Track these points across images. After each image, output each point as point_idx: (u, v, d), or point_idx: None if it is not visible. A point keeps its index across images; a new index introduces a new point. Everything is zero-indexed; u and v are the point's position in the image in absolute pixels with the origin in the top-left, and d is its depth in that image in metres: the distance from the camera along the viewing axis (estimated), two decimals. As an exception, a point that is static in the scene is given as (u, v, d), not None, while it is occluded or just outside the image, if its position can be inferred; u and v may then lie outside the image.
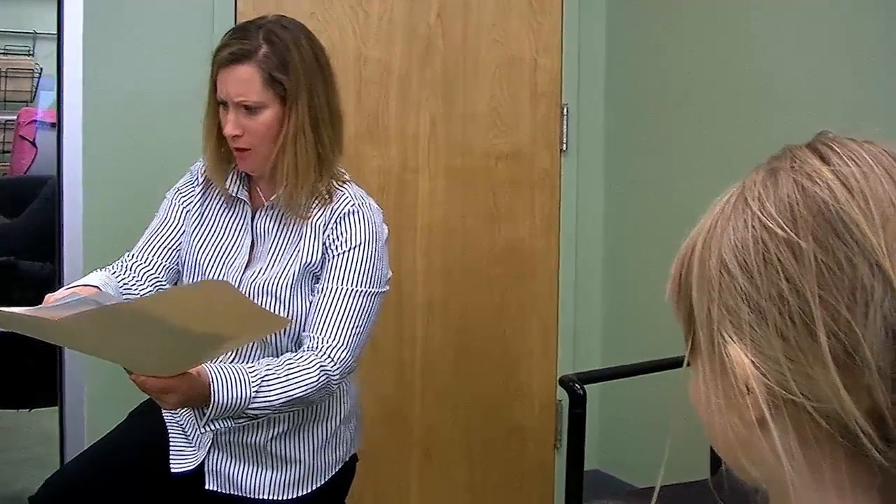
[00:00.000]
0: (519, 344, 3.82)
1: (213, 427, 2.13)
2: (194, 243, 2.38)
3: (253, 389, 2.07)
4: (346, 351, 2.21)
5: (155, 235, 2.40)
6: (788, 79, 3.05)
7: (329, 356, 2.19)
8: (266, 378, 2.09)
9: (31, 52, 4.67)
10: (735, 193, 0.85)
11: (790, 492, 0.80)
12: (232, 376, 2.05)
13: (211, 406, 2.03)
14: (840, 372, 0.75)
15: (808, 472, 0.80)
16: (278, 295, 2.26)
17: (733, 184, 0.87)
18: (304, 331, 2.26)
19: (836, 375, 0.75)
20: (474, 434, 3.77)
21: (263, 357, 2.25)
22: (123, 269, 2.34)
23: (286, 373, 2.13)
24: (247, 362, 2.21)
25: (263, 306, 2.23)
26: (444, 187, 3.67)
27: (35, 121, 4.68)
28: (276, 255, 2.31)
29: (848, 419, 0.75)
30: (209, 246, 2.37)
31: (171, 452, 2.34)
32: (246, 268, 2.32)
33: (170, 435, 2.37)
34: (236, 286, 2.27)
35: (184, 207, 2.42)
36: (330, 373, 2.18)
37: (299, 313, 2.26)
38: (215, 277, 2.31)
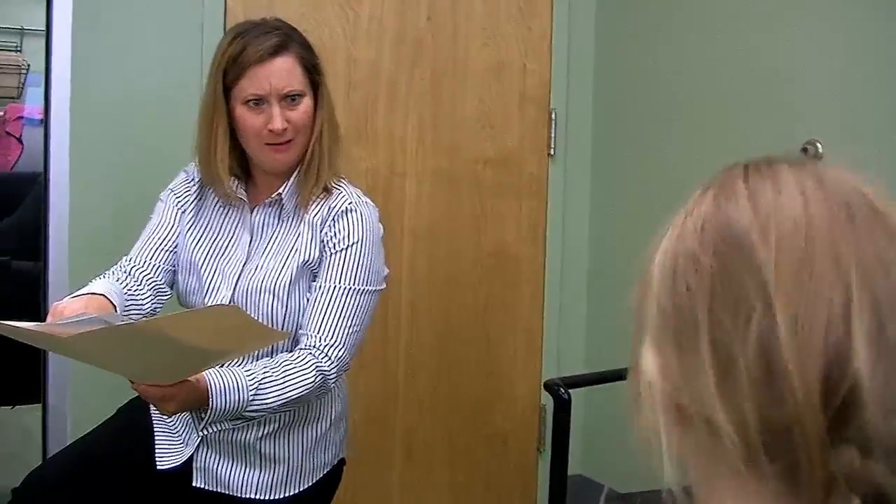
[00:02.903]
0: (503, 348, 3.82)
1: (210, 430, 2.18)
2: (190, 243, 2.38)
3: (250, 393, 2.09)
4: (342, 350, 2.24)
5: (150, 238, 2.40)
6: (779, 85, 3.06)
7: (326, 355, 2.21)
8: (263, 381, 2.12)
9: (19, 48, 4.65)
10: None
11: (666, 493, 0.83)
12: (229, 381, 2.07)
13: (209, 411, 2.06)
14: (718, 382, 0.78)
15: (693, 474, 0.83)
16: (277, 293, 2.27)
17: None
18: (300, 328, 2.27)
19: (713, 383, 0.78)
20: (457, 437, 3.77)
21: (259, 355, 2.26)
22: (124, 274, 2.33)
23: (283, 375, 2.15)
24: (243, 363, 2.22)
25: (261, 304, 2.26)
26: (431, 191, 3.67)
27: (22, 117, 4.66)
28: (273, 251, 2.32)
29: (721, 429, 0.78)
30: (206, 245, 2.38)
31: (156, 449, 2.34)
32: (244, 265, 2.32)
33: (155, 431, 2.37)
34: (233, 284, 2.30)
35: (179, 208, 2.42)
36: (326, 372, 2.20)
37: (297, 312, 2.28)
38: (212, 276, 2.33)
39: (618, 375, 3.02)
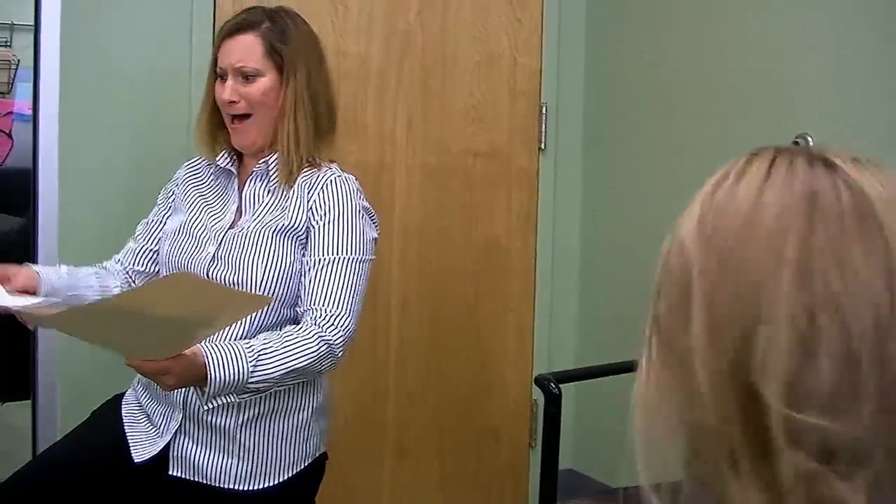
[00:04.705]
0: (494, 343, 3.82)
1: (215, 403, 2.21)
2: (185, 208, 2.47)
3: (250, 364, 2.11)
4: (347, 317, 2.27)
5: (149, 224, 2.55)
6: (770, 78, 3.06)
7: (332, 324, 2.24)
8: (263, 351, 2.14)
9: (9, 44, 4.63)
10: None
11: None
12: (227, 353, 2.09)
13: (209, 384, 2.06)
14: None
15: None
16: (258, 241, 2.31)
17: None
18: (300, 306, 2.30)
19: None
20: (448, 433, 3.76)
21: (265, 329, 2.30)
22: (118, 265, 2.49)
23: (283, 345, 2.17)
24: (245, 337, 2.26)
25: (241, 259, 2.31)
26: (421, 184, 3.66)
27: (11, 112, 4.65)
28: (260, 215, 2.37)
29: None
30: (199, 209, 2.46)
31: (130, 443, 2.35)
32: (230, 227, 2.38)
33: (125, 427, 2.39)
34: (219, 241, 2.36)
35: (167, 197, 2.56)
36: (331, 340, 2.23)
37: (279, 264, 2.31)
38: (202, 234, 2.40)
39: (609, 370, 3.02)
